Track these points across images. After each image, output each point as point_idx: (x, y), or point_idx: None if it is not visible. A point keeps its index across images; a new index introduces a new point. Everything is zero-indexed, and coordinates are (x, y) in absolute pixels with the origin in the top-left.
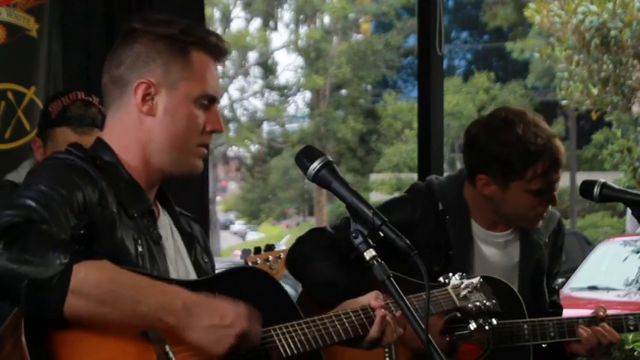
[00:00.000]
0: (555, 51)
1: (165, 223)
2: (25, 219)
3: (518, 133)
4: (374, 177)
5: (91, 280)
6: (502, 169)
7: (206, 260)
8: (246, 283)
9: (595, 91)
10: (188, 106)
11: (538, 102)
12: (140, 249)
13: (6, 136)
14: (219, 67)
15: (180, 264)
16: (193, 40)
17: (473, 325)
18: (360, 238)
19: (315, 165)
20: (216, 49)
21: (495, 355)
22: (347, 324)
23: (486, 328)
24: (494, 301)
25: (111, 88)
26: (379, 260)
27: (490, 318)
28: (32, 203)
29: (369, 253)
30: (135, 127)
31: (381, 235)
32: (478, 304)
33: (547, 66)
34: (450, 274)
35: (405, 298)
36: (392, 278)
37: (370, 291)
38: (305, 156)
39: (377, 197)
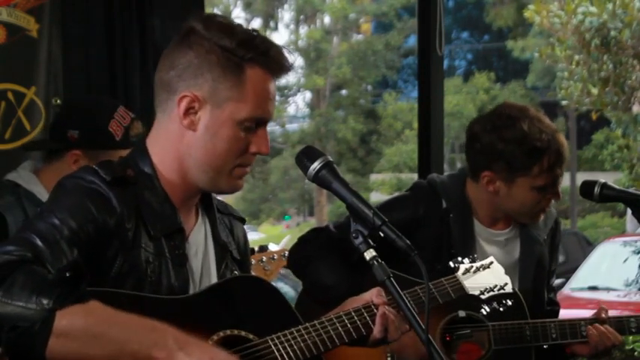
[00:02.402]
0: (555, 51)
1: (199, 236)
2: (18, 258)
3: (523, 129)
4: (374, 177)
5: (76, 324)
6: (508, 166)
7: (235, 273)
8: (244, 291)
9: (595, 90)
10: (231, 128)
11: (538, 102)
12: (151, 275)
13: (6, 136)
14: None
15: (205, 281)
16: (252, 55)
17: (486, 310)
18: (361, 239)
19: (316, 165)
20: (276, 65)
21: (497, 355)
22: (349, 325)
23: (501, 309)
24: (507, 282)
25: (159, 90)
26: (379, 260)
27: (504, 300)
28: (37, 240)
29: (369, 254)
30: (176, 139)
31: (382, 235)
32: (490, 287)
33: (547, 66)
34: (460, 258)
35: (405, 298)
36: (392, 278)
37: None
38: (305, 156)
39: (377, 197)
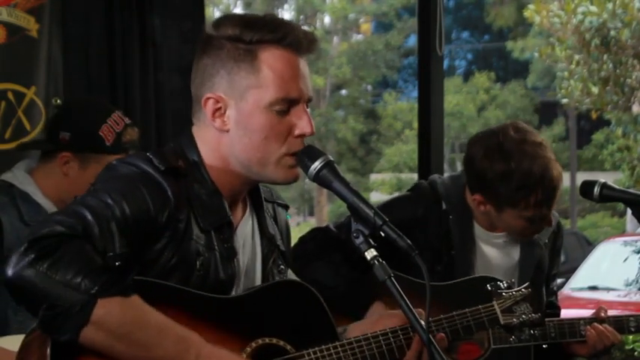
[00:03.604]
0: (555, 51)
1: (246, 228)
2: (69, 231)
3: (511, 166)
4: (374, 177)
5: (113, 316)
6: (495, 197)
7: (282, 267)
8: (288, 297)
9: (595, 90)
10: (261, 116)
11: (538, 102)
12: (200, 269)
13: (6, 136)
14: None
15: (250, 275)
16: (259, 36)
17: (514, 340)
18: (361, 238)
19: (316, 165)
20: (293, 40)
21: (496, 355)
22: (384, 346)
23: (527, 338)
24: (540, 314)
25: (193, 102)
26: (380, 260)
27: (533, 330)
28: (88, 214)
29: (370, 253)
30: (214, 144)
31: (382, 235)
32: (524, 317)
33: (547, 66)
34: (498, 282)
35: (405, 298)
36: (393, 278)
37: (372, 292)
38: (306, 156)
39: (377, 197)
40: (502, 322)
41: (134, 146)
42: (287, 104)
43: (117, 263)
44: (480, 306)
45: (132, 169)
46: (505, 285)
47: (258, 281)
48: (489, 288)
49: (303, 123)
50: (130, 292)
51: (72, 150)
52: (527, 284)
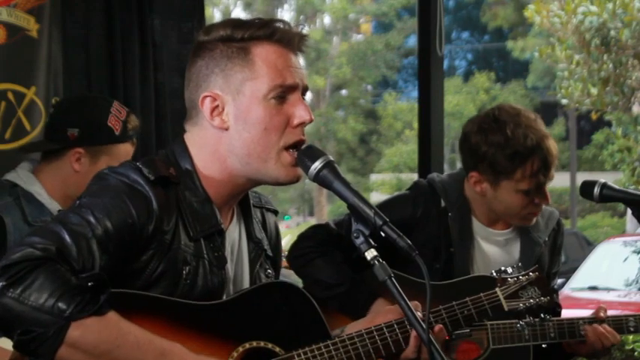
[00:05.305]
0: (555, 51)
1: (234, 234)
2: (42, 253)
3: (507, 134)
4: (374, 177)
5: (88, 337)
6: (491, 169)
7: (269, 272)
8: (276, 299)
9: (595, 91)
10: (259, 106)
11: (538, 102)
12: (187, 278)
13: (6, 136)
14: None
15: (238, 280)
16: (250, 33)
17: (521, 324)
18: (362, 238)
19: (317, 165)
20: (283, 35)
21: (495, 354)
22: (379, 342)
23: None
24: (548, 297)
25: (188, 109)
26: (380, 260)
27: (541, 314)
28: (65, 235)
29: (371, 253)
30: (214, 145)
31: (383, 234)
32: (531, 302)
33: (547, 66)
34: (502, 268)
35: (405, 298)
36: (393, 278)
37: (374, 291)
38: (306, 156)
39: (377, 197)
40: (506, 308)
41: (137, 133)
42: (283, 92)
43: (89, 284)
44: (481, 294)
45: (121, 179)
46: (511, 270)
47: (246, 286)
48: (494, 274)
49: (301, 111)
50: (104, 310)
51: (83, 145)
52: (534, 267)
